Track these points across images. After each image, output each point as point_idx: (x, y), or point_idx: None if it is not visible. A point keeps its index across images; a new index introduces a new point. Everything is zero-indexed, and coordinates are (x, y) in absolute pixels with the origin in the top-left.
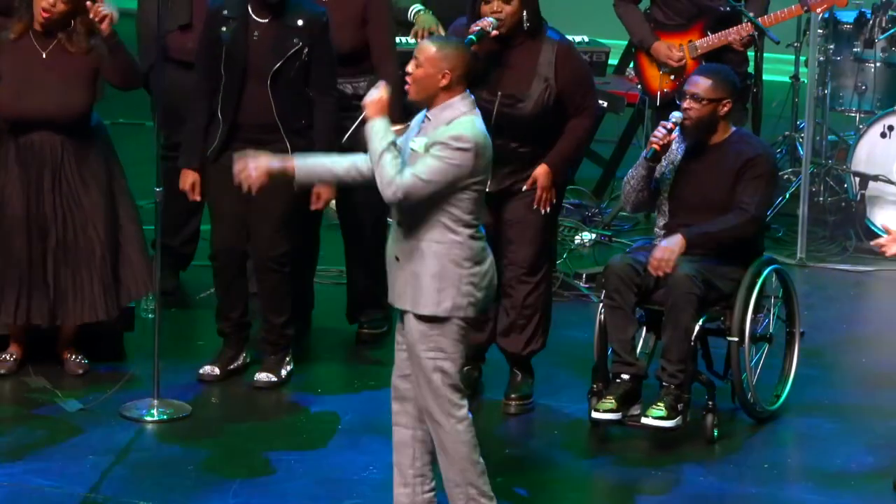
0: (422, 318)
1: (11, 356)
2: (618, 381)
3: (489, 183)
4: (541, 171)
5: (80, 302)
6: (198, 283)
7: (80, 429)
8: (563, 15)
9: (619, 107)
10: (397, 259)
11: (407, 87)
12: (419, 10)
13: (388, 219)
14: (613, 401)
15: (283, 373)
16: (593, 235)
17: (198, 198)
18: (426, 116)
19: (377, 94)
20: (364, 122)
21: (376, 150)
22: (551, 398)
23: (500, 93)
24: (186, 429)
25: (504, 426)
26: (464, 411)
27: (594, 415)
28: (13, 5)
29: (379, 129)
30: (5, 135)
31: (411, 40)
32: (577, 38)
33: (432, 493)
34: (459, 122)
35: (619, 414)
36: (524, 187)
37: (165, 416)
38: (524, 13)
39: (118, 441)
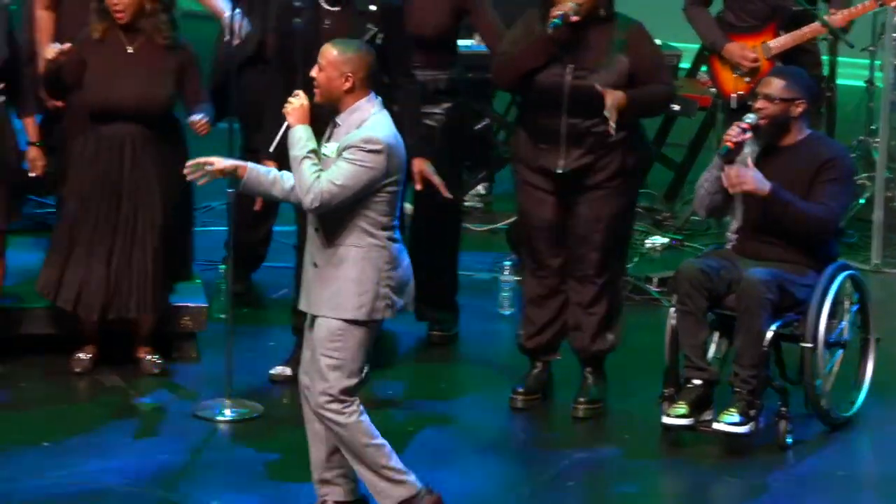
0: (336, 320)
1: (87, 355)
2: (689, 385)
3: (560, 162)
4: (617, 91)
5: (133, 296)
6: (270, 284)
7: (154, 428)
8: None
9: (691, 110)
10: (315, 265)
11: (315, 91)
12: None
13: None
14: (685, 406)
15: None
16: (665, 239)
17: None
18: (335, 121)
19: (298, 101)
20: (287, 130)
21: (297, 157)
22: (622, 402)
23: (571, 66)
24: (258, 429)
25: (573, 430)
26: (353, 406)
27: (665, 420)
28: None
29: (300, 137)
30: (89, 127)
31: (474, 42)
32: None
33: (354, 483)
34: (369, 124)
35: (691, 419)
36: (598, 87)
37: (238, 417)
38: (600, 0)
39: (191, 441)
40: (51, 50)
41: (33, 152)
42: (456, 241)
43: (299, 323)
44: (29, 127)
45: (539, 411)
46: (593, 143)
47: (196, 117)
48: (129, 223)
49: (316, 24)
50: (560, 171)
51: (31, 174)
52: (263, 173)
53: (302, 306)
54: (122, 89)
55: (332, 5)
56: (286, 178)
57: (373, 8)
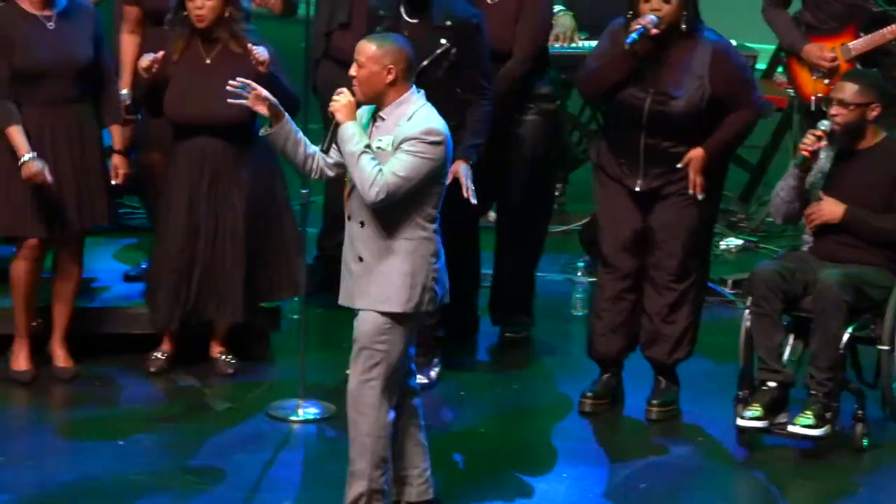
0: (383, 314)
1: (163, 354)
2: (764, 388)
3: (637, 181)
4: (696, 153)
5: (221, 304)
6: None
7: (228, 428)
8: (709, 19)
9: (768, 112)
10: (361, 259)
11: (354, 88)
12: (560, 11)
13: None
14: (760, 408)
15: (433, 374)
16: (740, 241)
17: None
18: (379, 116)
19: (344, 98)
20: (337, 127)
21: (354, 152)
22: (696, 405)
23: (652, 90)
24: (331, 429)
25: (647, 432)
26: (385, 408)
27: (740, 422)
28: (165, 16)
29: (353, 133)
30: (172, 140)
31: (554, 44)
32: None
33: (415, 473)
34: (422, 115)
35: (766, 422)
36: (679, 164)
37: (311, 416)
38: (683, 13)
39: (264, 440)
40: (144, 60)
41: (116, 160)
42: (540, 248)
43: None
44: (114, 134)
45: (610, 414)
46: (671, 162)
47: (258, 50)
48: (211, 233)
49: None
50: (638, 190)
51: (113, 181)
52: (295, 131)
53: (343, 301)
54: (202, 103)
55: (412, 17)
56: (309, 146)
57: (449, 23)
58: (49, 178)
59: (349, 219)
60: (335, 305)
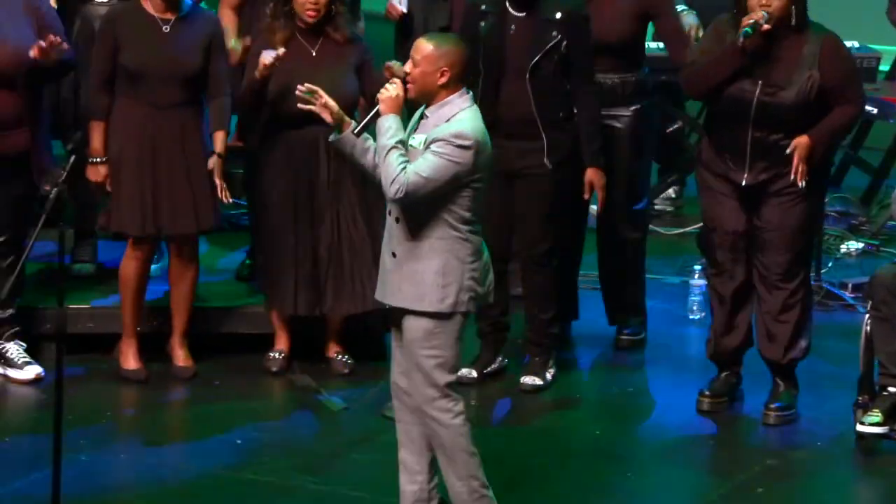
0: (423, 315)
1: (280, 354)
2: (885, 393)
3: (744, 175)
4: (802, 139)
5: (346, 293)
6: None
7: (343, 427)
8: (832, 20)
9: (890, 113)
10: (394, 255)
11: (408, 86)
12: (683, 10)
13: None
14: (880, 414)
15: (548, 376)
16: (860, 245)
17: None
18: (424, 114)
19: (394, 90)
20: (377, 116)
21: (385, 146)
22: (815, 409)
23: (760, 82)
24: None
25: (764, 436)
26: (460, 405)
27: (859, 428)
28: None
29: (390, 126)
30: (277, 132)
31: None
32: (848, 44)
33: (435, 488)
34: (460, 118)
35: (886, 427)
36: (787, 150)
37: None
38: (792, 7)
39: (379, 441)
40: (267, 56)
41: (213, 160)
42: (642, 246)
43: (485, 327)
44: (216, 140)
45: (727, 416)
46: (778, 156)
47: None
48: (331, 224)
49: (502, 29)
50: (744, 185)
51: (217, 184)
52: (364, 139)
53: (378, 296)
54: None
55: (519, 11)
56: (372, 157)
57: (558, 16)
58: (109, 188)
59: (389, 213)
60: None
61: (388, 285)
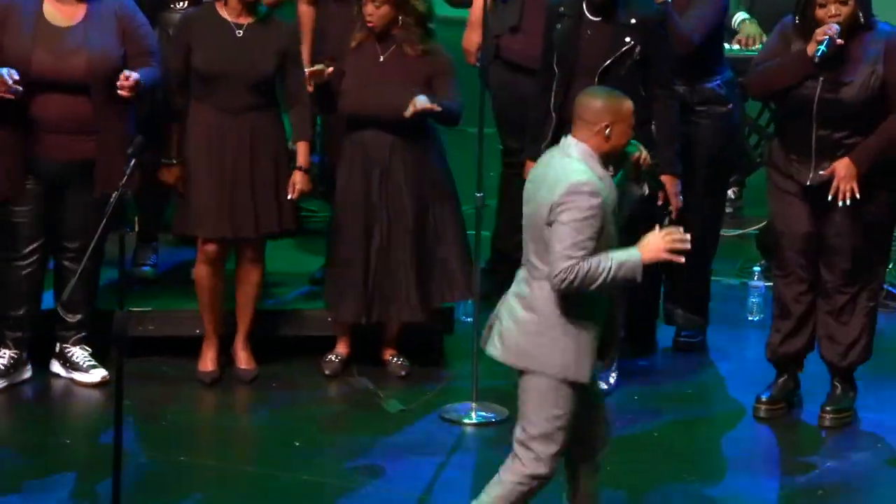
0: (547, 378)
1: (338, 357)
2: None
3: (809, 174)
4: (841, 163)
5: (396, 302)
6: None
7: (401, 430)
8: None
9: None
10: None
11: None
12: (744, 19)
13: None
14: None
15: (611, 379)
16: None
17: None
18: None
19: (678, 236)
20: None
21: (615, 277)
22: (876, 412)
23: (822, 79)
24: (504, 433)
25: (821, 439)
26: (543, 471)
27: None
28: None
29: (634, 268)
30: (346, 134)
31: (734, 46)
32: None
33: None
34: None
35: None
36: (822, 173)
37: (484, 420)
38: (859, 12)
39: (438, 443)
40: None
41: (297, 176)
42: (713, 250)
43: None
44: (299, 151)
45: (785, 420)
46: (844, 154)
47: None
48: (384, 230)
49: (578, 33)
50: (809, 184)
51: (289, 196)
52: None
53: (487, 344)
54: (373, 98)
55: (595, 15)
56: None
57: (633, 21)
58: (181, 189)
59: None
60: None
61: (507, 340)
